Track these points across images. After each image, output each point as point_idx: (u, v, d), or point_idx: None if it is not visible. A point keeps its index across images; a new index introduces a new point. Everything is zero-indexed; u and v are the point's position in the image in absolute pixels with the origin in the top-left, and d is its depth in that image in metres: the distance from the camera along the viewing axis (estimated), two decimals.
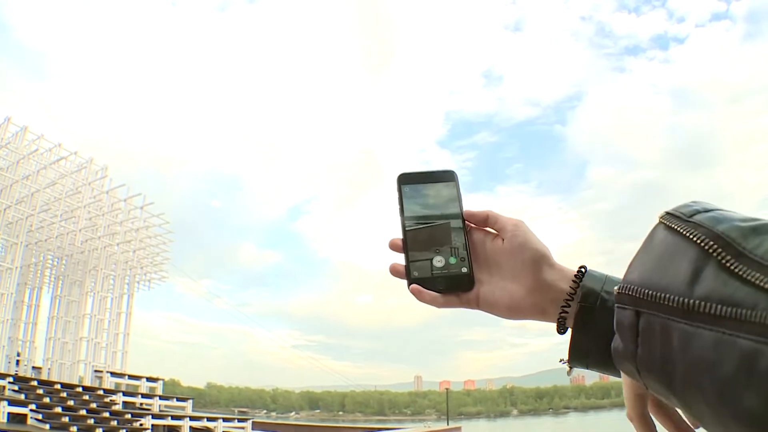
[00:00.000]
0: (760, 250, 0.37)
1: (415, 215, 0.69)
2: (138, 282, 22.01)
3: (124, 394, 17.68)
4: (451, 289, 0.65)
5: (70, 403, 14.44)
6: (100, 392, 16.70)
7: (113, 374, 18.60)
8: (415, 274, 0.65)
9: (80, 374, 18.23)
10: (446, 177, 0.72)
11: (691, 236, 0.42)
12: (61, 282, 19.21)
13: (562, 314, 0.62)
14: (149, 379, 19.79)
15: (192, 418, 17.72)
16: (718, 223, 0.41)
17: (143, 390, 19.03)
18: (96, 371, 18.30)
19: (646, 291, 0.44)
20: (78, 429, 13.02)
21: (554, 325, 0.62)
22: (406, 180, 0.71)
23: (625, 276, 0.48)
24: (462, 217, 0.68)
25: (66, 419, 13.15)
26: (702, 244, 0.41)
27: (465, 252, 0.66)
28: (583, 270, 0.64)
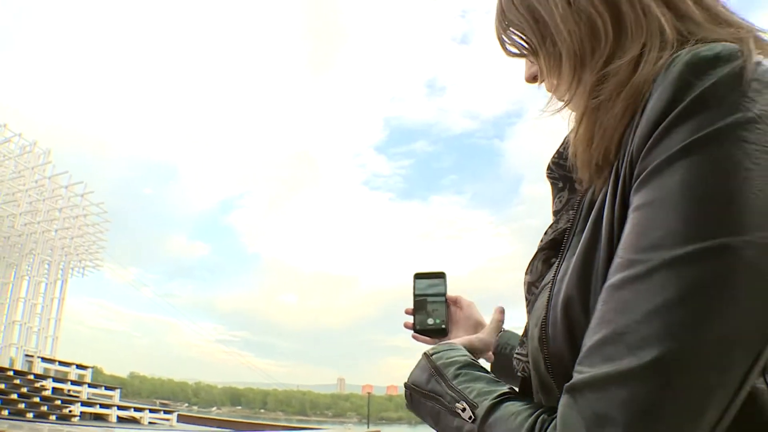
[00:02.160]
0: None
1: (419, 293, 1.10)
2: (72, 268, 21.83)
3: (54, 380, 17.53)
4: (435, 335, 1.07)
5: (1, 386, 14.32)
6: (31, 377, 16.52)
7: (44, 359, 18.43)
8: (417, 327, 1.08)
9: (11, 357, 18.05)
10: (440, 275, 1.12)
11: None
12: None
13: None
14: (79, 366, 19.64)
15: (120, 408, 17.80)
16: None
17: (72, 377, 18.92)
18: (27, 356, 18.12)
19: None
20: (9, 413, 12.94)
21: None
22: (418, 275, 1.12)
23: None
24: (445, 297, 1.10)
25: None
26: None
27: (445, 317, 1.08)
28: (503, 329, 1.02)
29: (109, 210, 21.86)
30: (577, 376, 0.50)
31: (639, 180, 0.51)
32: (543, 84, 0.74)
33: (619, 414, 0.45)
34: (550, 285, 0.63)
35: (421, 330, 1.07)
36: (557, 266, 0.64)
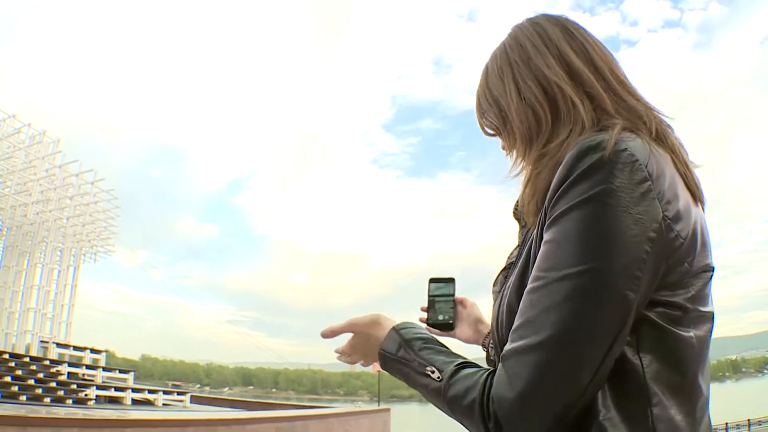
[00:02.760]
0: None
1: (432, 294, 1.33)
2: (84, 254, 22.14)
3: (69, 365, 17.85)
4: (443, 329, 1.30)
5: (19, 372, 14.66)
6: (47, 362, 16.87)
7: (59, 345, 18.85)
8: (429, 322, 1.31)
9: (27, 343, 18.45)
10: (450, 280, 1.34)
11: None
12: (10, 254, 19.32)
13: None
14: (93, 351, 20.00)
15: (134, 390, 18.05)
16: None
17: (87, 361, 19.28)
18: (42, 342, 18.54)
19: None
20: (27, 398, 13.28)
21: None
22: (432, 280, 1.34)
23: None
24: (453, 299, 1.32)
25: (15, 388, 13.42)
26: None
27: (452, 315, 1.31)
28: None
29: (117, 194, 22.03)
30: (504, 349, 0.80)
31: (546, 225, 0.81)
32: (505, 152, 1.06)
33: (525, 371, 0.74)
34: (500, 294, 0.96)
35: (432, 324, 1.31)
36: (506, 281, 0.96)
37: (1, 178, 17.86)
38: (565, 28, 0.97)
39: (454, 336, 1.32)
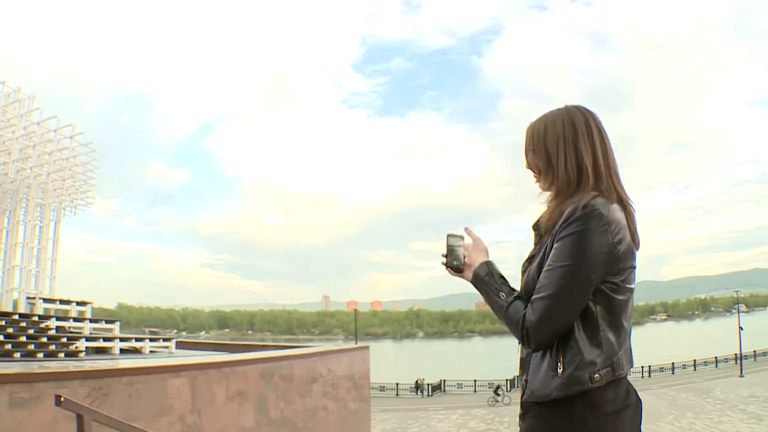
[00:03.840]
0: None
1: (450, 245, 1.79)
2: (64, 209, 22.19)
3: (57, 318, 18.09)
4: (456, 271, 1.78)
5: (10, 330, 14.83)
6: (35, 318, 17.09)
7: (45, 300, 19.05)
8: (446, 264, 1.79)
9: (14, 299, 18.74)
10: (461, 237, 1.81)
11: None
12: None
13: None
14: (79, 303, 20.11)
15: (121, 339, 18.26)
16: None
17: (73, 314, 19.43)
18: (29, 298, 18.72)
19: None
20: (21, 354, 13.52)
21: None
22: (450, 235, 1.81)
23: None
24: (463, 248, 1.80)
25: (9, 346, 13.62)
26: None
27: (462, 260, 1.78)
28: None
29: (86, 142, 21.72)
30: (532, 299, 1.58)
31: (555, 239, 1.56)
32: (535, 178, 1.77)
33: (540, 308, 1.54)
34: (527, 271, 1.68)
35: (447, 265, 1.81)
36: (530, 264, 1.68)
37: None
38: (596, 122, 1.69)
39: (462, 276, 1.87)
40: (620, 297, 1.56)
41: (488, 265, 1.72)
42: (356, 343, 22.81)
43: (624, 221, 1.58)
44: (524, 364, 1.66)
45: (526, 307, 1.57)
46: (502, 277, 1.71)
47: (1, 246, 19.28)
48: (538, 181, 1.75)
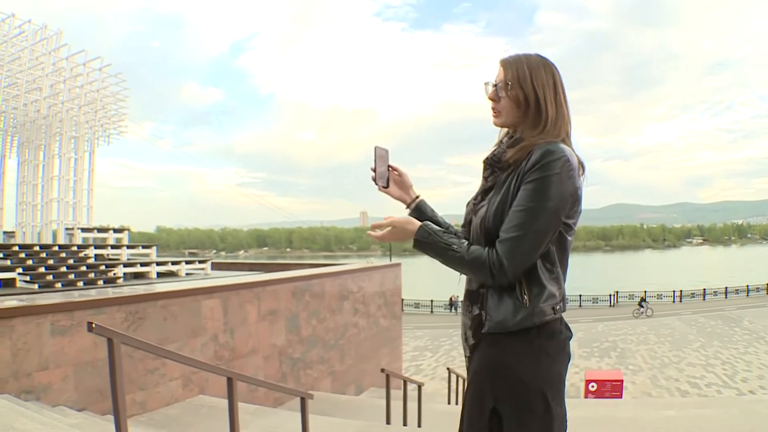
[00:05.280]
0: None
1: (377, 158, 1.93)
2: (98, 139, 22.60)
3: (95, 247, 18.61)
4: (382, 185, 1.97)
5: (51, 262, 15.45)
6: (74, 248, 17.72)
7: (83, 230, 19.73)
8: (374, 178, 1.95)
9: (53, 230, 19.49)
10: (387, 151, 1.98)
11: None
12: (26, 149, 20.01)
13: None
14: (116, 231, 20.69)
15: (158, 264, 18.47)
16: None
17: (111, 242, 19.99)
18: (67, 229, 19.47)
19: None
20: (62, 285, 13.93)
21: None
22: (377, 150, 1.93)
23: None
24: (388, 164, 1.98)
25: (50, 278, 14.19)
26: None
27: (387, 175, 1.98)
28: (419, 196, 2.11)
29: (119, 68, 21.80)
30: (500, 237, 1.64)
31: (524, 180, 1.63)
32: (494, 107, 1.81)
33: (514, 245, 1.61)
34: (481, 206, 1.77)
35: (375, 179, 1.96)
36: (483, 201, 1.78)
37: (11, 78, 18.05)
38: (560, 76, 1.77)
39: (387, 192, 2.05)
40: (570, 238, 1.72)
41: (425, 227, 1.77)
42: (390, 260, 23.02)
43: (576, 161, 1.70)
44: (475, 296, 1.77)
45: (485, 247, 1.66)
46: (446, 231, 1.77)
47: (38, 180, 19.90)
48: (497, 115, 1.80)
